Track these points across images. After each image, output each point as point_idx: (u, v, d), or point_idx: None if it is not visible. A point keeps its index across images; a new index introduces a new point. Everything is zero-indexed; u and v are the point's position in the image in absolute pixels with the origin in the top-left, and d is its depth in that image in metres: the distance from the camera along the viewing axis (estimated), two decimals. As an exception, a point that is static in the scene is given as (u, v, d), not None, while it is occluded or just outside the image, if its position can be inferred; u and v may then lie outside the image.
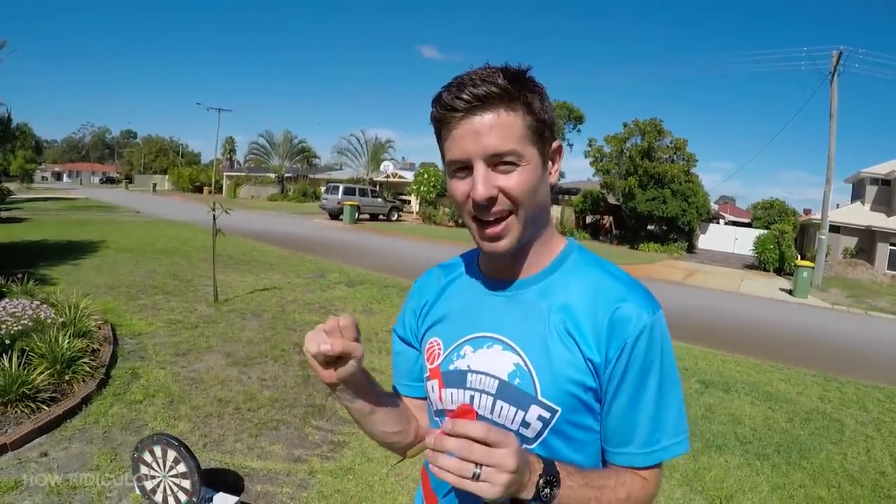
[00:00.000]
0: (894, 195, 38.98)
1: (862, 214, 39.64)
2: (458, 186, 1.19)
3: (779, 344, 11.63)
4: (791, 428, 6.48)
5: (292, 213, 40.08)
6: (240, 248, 16.87)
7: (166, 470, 3.53)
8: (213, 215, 9.25)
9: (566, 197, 43.91)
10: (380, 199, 41.70)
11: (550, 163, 1.25)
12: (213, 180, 69.08)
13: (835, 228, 36.17)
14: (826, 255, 28.55)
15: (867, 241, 38.13)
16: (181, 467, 3.48)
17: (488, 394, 1.23)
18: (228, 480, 4.10)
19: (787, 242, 30.67)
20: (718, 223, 56.86)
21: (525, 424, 1.20)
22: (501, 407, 1.22)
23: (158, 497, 3.60)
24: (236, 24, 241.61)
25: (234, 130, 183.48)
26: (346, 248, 21.00)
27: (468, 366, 1.27)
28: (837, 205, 43.23)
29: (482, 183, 1.14)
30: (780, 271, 29.69)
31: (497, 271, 1.33)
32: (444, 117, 1.17)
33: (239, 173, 71.93)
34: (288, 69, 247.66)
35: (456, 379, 1.28)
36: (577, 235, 36.99)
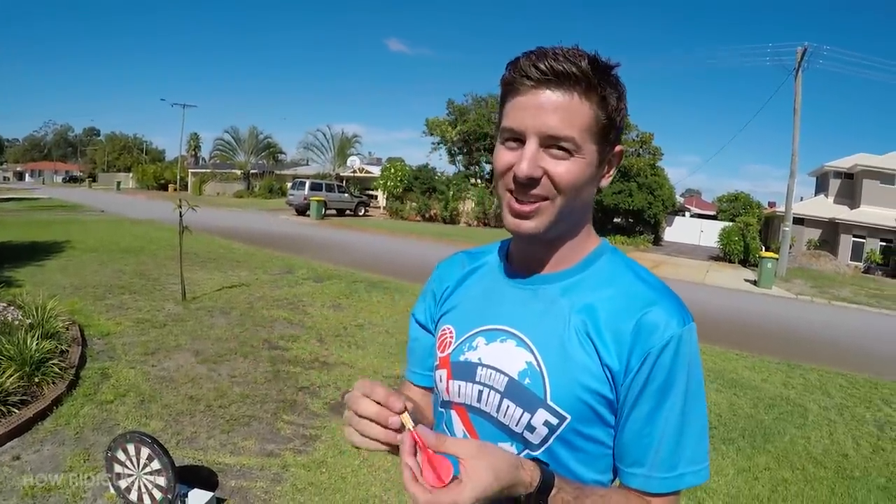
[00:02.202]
0: (857, 188, 39.81)
1: (826, 207, 40.45)
2: (504, 156, 1.13)
3: (743, 333, 11.87)
4: (755, 413, 6.66)
5: (259, 210, 39.90)
6: (207, 245, 16.76)
7: (140, 468, 3.56)
8: (180, 212, 9.21)
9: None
10: (347, 195, 41.64)
11: (607, 165, 1.19)
12: (179, 177, 68.48)
13: (799, 221, 36.86)
14: (790, 247, 29.04)
15: (831, 233, 38.90)
16: (155, 464, 3.51)
17: (496, 391, 1.17)
18: (202, 476, 4.13)
19: (751, 234, 31.13)
20: (684, 216, 57.63)
21: (530, 428, 1.14)
22: (508, 406, 1.16)
23: (133, 495, 3.62)
24: (201, 18, 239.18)
25: (198, 127, 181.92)
26: (313, 243, 20.98)
27: (479, 358, 1.21)
28: (801, 198, 44.02)
29: (529, 161, 1.07)
30: (744, 263, 30.15)
31: (524, 262, 1.27)
32: (514, 81, 1.10)
33: (204, 170, 71.41)
34: (254, 64, 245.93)
35: (465, 371, 1.23)
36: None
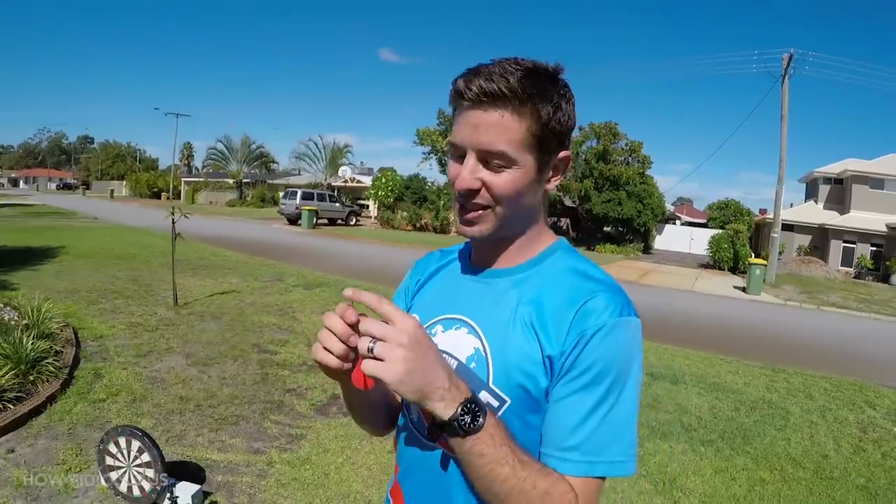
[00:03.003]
0: (846, 194, 39.83)
1: (816, 213, 40.50)
2: (453, 169, 1.21)
3: (729, 339, 11.95)
4: (736, 416, 6.75)
5: (251, 219, 39.96)
6: (199, 252, 16.85)
7: (131, 460, 3.69)
8: (173, 219, 9.34)
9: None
10: (338, 204, 41.64)
11: (552, 171, 1.24)
12: (172, 186, 68.48)
13: (789, 227, 36.91)
14: (780, 253, 29.21)
15: (821, 238, 38.92)
16: (145, 457, 3.65)
17: None
18: (190, 471, 4.26)
19: (741, 241, 31.19)
20: (675, 224, 57.49)
21: None
22: None
23: (123, 486, 3.76)
24: (195, 28, 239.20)
25: (191, 136, 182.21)
26: (304, 252, 21.14)
27: (436, 344, 1.15)
28: (791, 204, 44.14)
29: (466, 173, 1.16)
30: (734, 270, 30.21)
31: (480, 259, 1.35)
32: (454, 100, 1.19)
33: (197, 179, 71.38)
34: (247, 74, 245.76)
35: None
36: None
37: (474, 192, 1.17)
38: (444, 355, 1.16)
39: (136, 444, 3.66)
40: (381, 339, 0.98)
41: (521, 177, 1.17)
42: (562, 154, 1.23)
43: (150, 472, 3.66)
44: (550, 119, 1.16)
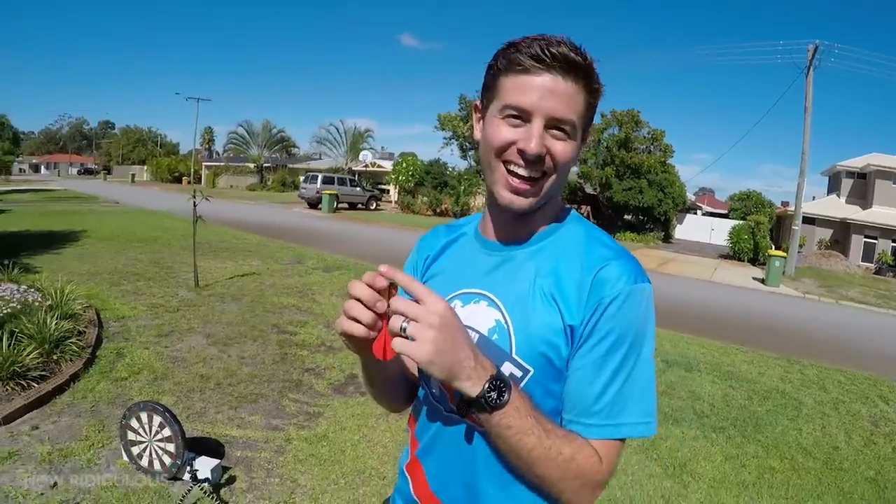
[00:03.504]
0: (869, 188, 39.31)
1: (837, 207, 39.99)
2: (503, 131, 1.20)
3: (746, 329, 11.89)
4: (749, 405, 6.75)
5: (271, 203, 39.97)
6: (219, 235, 17.01)
7: (152, 435, 3.78)
8: (194, 202, 9.43)
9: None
10: (358, 189, 41.54)
11: (583, 143, 1.28)
12: (192, 170, 68.66)
13: (810, 220, 36.56)
14: (801, 246, 28.95)
15: (842, 233, 38.50)
16: (166, 432, 3.74)
17: None
18: (210, 447, 4.35)
19: (761, 233, 30.91)
20: (696, 214, 57.13)
21: None
22: None
23: (144, 461, 3.85)
24: (216, 12, 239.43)
25: (212, 120, 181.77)
26: (324, 235, 21.21)
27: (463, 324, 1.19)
28: (814, 197, 43.63)
29: (535, 139, 1.16)
30: (754, 261, 29.97)
31: (497, 232, 1.36)
32: (521, 61, 1.17)
33: (218, 163, 71.45)
34: (267, 59, 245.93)
35: None
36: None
37: (541, 159, 1.19)
38: (466, 328, 1.17)
39: (157, 420, 3.75)
40: (413, 319, 1.02)
41: (575, 148, 1.22)
42: (591, 128, 1.29)
43: (170, 447, 3.75)
44: (598, 96, 1.23)
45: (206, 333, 7.13)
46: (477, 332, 1.25)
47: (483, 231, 1.42)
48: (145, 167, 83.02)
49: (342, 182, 39.95)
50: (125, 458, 3.95)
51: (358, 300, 1.07)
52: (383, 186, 51.17)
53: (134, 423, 3.83)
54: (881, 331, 14.62)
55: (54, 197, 32.94)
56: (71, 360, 5.58)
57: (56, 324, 5.78)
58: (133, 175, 75.68)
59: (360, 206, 40.96)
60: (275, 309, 8.74)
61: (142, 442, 3.84)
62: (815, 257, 33.95)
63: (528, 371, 1.20)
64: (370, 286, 1.07)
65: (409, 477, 1.41)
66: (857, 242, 37.62)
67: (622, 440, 1.18)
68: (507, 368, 1.20)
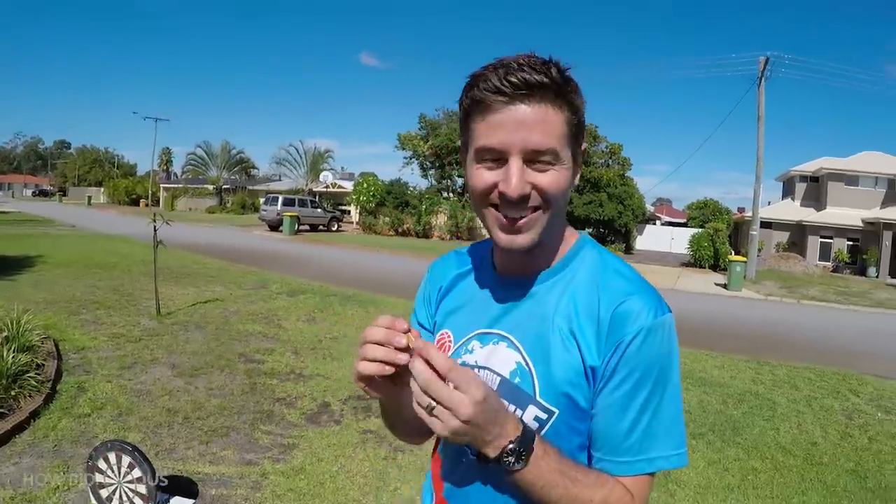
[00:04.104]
0: (822, 191, 40.75)
1: (793, 210, 41.36)
2: (483, 176, 1.13)
3: (713, 334, 12.11)
4: (725, 409, 6.87)
5: (231, 226, 39.86)
6: (180, 260, 16.69)
7: (121, 476, 3.61)
8: (154, 227, 9.23)
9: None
10: (320, 210, 41.70)
11: (576, 164, 1.20)
12: (150, 192, 68.05)
13: (767, 224, 37.49)
14: (759, 250, 29.66)
15: (798, 235, 39.69)
16: (136, 472, 3.56)
17: None
18: (183, 485, 4.18)
19: (721, 240, 31.53)
20: (655, 224, 58.10)
21: None
22: None
23: (114, 504, 3.68)
24: (174, 32, 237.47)
25: (170, 141, 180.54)
26: (286, 258, 21.09)
27: (476, 361, 1.26)
28: (769, 202, 45.04)
29: (516, 178, 1.08)
30: (715, 267, 30.55)
31: (509, 267, 1.31)
32: (485, 99, 1.08)
33: (176, 185, 71.06)
34: (227, 78, 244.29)
35: None
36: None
37: (527, 199, 1.11)
38: (485, 371, 1.22)
39: (126, 460, 3.58)
40: (442, 406, 0.97)
41: (566, 173, 1.14)
42: (583, 146, 1.20)
43: (141, 489, 3.58)
44: (580, 109, 1.14)
45: (170, 364, 6.92)
46: (499, 374, 1.22)
47: (497, 265, 1.35)
48: (102, 189, 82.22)
49: (303, 203, 40.03)
50: (93, 501, 3.76)
51: (374, 342, 1.05)
52: (344, 207, 51.29)
53: (101, 464, 3.65)
54: (843, 326, 15.19)
55: (8, 219, 32.38)
56: (30, 396, 5.35)
57: (13, 357, 5.53)
58: (89, 197, 74.92)
59: (321, 227, 41.05)
60: (240, 337, 8.54)
61: (111, 484, 3.66)
62: (774, 260, 34.61)
63: (554, 412, 1.16)
64: (392, 327, 1.04)
65: (433, 488, 1.38)
66: (814, 243, 38.89)
67: (653, 474, 1.16)
68: (532, 411, 1.17)
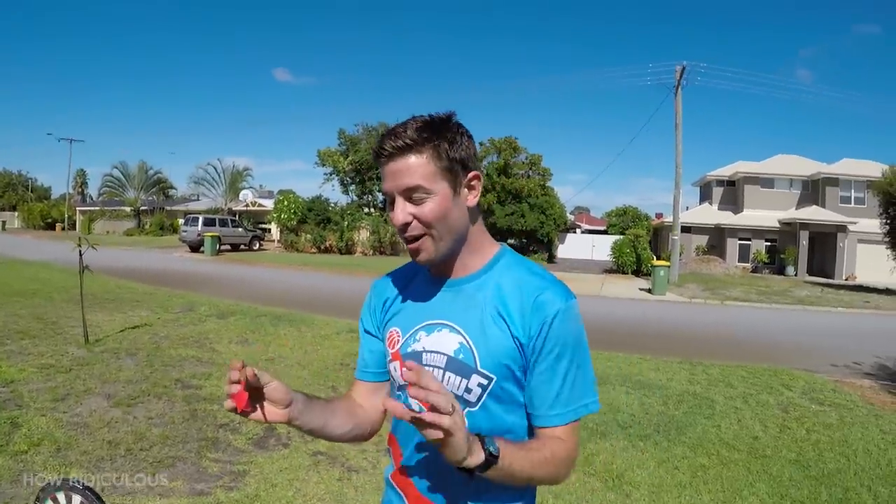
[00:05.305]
0: (739, 194, 42.17)
1: (711, 214, 42.62)
2: (390, 213, 1.51)
3: (643, 338, 12.50)
4: (666, 410, 7.06)
5: (151, 248, 39.36)
6: (102, 285, 16.13)
7: (71, 516, 3.47)
8: (80, 251, 8.97)
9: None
10: (241, 229, 41.60)
11: (467, 189, 1.53)
12: (66, 216, 66.32)
13: (686, 229, 38.54)
14: (680, 254, 30.39)
15: (717, 238, 40.90)
16: (87, 512, 3.43)
17: (438, 367, 1.52)
18: (133, 521, 4.06)
19: (642, 245, 32.30)
20: (576, 232, 59.04)
21: (468, 390, 1.49)
22: (449, 377, 1.51)
23: (64, 545, 3.53)
24: (88, 50, 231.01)
25: (85, 163, 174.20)
26: (211, 280, 20.97)
27: (423, 347, 1.56)
28: (687, 207, 46.34)
29: (398, 212, 1.47)
30: (637, 272, 31.30)
31: (442, 272, 1.62)
32: (376, 160, 1.50)
33: (93, 207, 69.38)
34: (141, 97, 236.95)
35: (413, 358, 1.54)
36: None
37: (408, 226, 1.48)
38: (433, 353, 1.54)
39: (77, 499, 3.43)
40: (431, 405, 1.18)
41: (441, 200, 1.46)
42: (471, 175, 1.54)
43: (93, 528, 3.44)
44: (448, 151, 1.47)
45: (105, 394, 6.69)
46: (444, 354, 1.52)
47: (431, 271, 1.65)
48: (16, 213, 79.65)
49: (223, 223, 39.88)
50: (40, 543, 3.61)
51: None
52: (265, 226, 50.89)
53: (49, 506, 3.51)
54: (768, 324, 15.86)
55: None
56: (-40, 437, 5.11)
57: (-60, 396, 5.29)
58: (3, 222, 72.93)
59: (242, 246, 41.02)
60: (174, 362, 8.32)
61: (59, 525, 3.51)
62: (695, 263, 35.63)
63: (492, 378, 1.48)
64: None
65: (395, 484, 1.64)
66: (733, 245, 40.18)
67: (578, 420, 1.50)
68: (475, 380, 1.49)
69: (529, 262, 1.63)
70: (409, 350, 1.58)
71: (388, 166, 1.47)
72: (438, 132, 1.46)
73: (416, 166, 1.44)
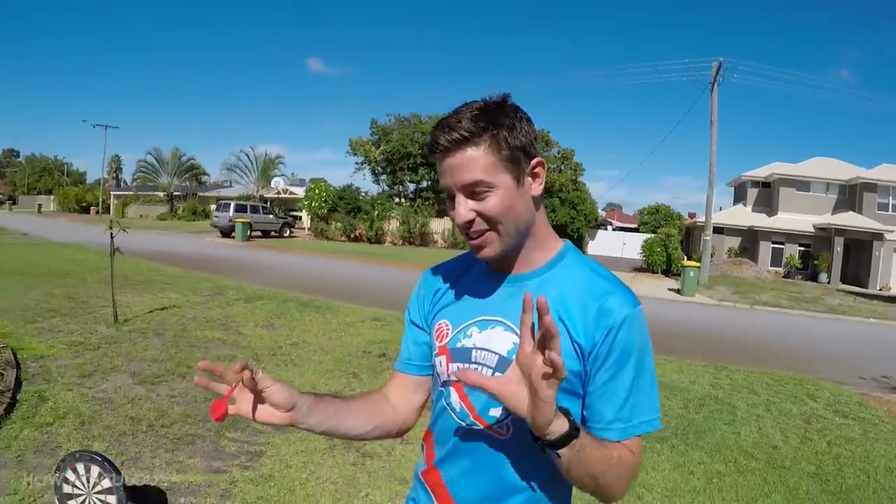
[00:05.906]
0: (774, 196, 41.31)
1: (744, 215, 41.87)
2: (451, 209, 1.43)
3: (669, 339, 12.18)
4: (686, 413, 6.95)
5: (183, 232, 39.51)
6: (134, 268, 16.49)
7: (91, 486, 3.55)
8: (111, 233, 9.12)
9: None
10: (271, 216, 41.61)
11: (531, 178, 1.43)
12: (101, 200, 67.05)
13: (719, 230, 38.01)
14: (712, 255, 30.04)
15: (750, 240, 40.22)
16: (105, 482, 3.51)
17: (489, 367, 1.42)
18: (151, 495, 4.13)
19: (673, 245, 31.86)
20: (606, 229, 58.58)
21: None
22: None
23: (83, 514, 3.62)
24: (123, 38, 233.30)
25: (120, 148, 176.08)
26: (240, 265, 21.00)
27: (474, 344, 1.47)
28: (721, 207, 45.57)
29: (462, 209, 1.37)
30: (667, 272, 30.89)
31: (501, 267, 1.53)
32: (431, 155, 1.41)
33: (126, 192, 70.14)
34: (176, 85, 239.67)
35: (462, 354, 1.48)
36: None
37: (471, 223, 1.39)
38: (484, 351, 1.44)
39: (95, 470, 3.53)
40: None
41: (504, 194, 1.37)
42: (534, 162, 1.42)
43: (111, 499, 3.53)
44: (508, 139, 1.35)
45: (131, 372, 6.82)
46: (496, 353, 1.42)
47: (488, 265, 1.56)
48: (52, 197, 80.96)
49: (255, 210, 39.98)
50: (60, 512, 3.70)
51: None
52: (296, 213, 51.06)
53: (70, 475, 3.59)
54: (797, 331, 15.52)
55: (-44, 230, 31.59)
56: (-11, 407, 5.23)
57: (-30, 368, 5.42)
58: (40, 205, 73.80)
59: (273, 233, 41.01)
60: (199, 343, 8.45)
61: (79, 495, 3.60)
62: (727, 265, 35.22)
63: None
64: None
65: (425, 482, 1.57)
66: (766, 248, 39.46)
67: (642, 435, 1.39)
68: None
69: (593, 261, 1.52)
70: (459, 345, 1.49)
71: (444, 161, 1.37)
72: (495, 120, 1.35)
73: (474, 159, 1.34)
